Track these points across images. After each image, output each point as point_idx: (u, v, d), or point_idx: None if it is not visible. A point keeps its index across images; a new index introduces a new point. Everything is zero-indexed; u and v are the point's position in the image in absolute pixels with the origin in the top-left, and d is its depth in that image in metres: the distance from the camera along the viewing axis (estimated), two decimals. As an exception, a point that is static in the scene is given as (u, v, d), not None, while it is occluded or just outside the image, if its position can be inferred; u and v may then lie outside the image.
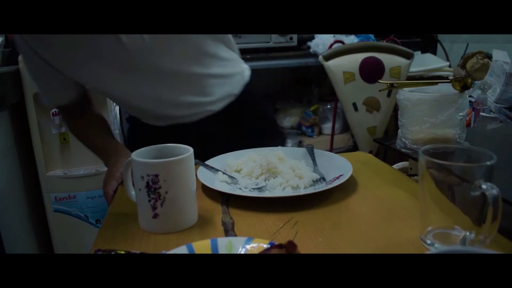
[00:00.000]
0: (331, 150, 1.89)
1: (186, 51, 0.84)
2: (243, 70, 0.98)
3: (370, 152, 1.71)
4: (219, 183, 0.73)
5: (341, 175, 0.71)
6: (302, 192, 0.68)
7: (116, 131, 1.65)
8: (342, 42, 1.84)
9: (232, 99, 0.93)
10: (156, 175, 0.56)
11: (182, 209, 0.59)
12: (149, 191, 0.57)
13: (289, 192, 0.69)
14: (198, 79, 0.87)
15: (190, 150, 0.60)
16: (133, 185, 0.62)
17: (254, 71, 1.01)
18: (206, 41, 0.86)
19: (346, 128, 2.11)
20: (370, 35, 1.96)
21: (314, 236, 0.56)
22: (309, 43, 1.98)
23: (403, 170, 1.29)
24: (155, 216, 0.58)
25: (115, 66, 0.80)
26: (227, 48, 0.94)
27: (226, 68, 0.92)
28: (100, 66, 0.80)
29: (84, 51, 0.78)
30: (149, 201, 0.57)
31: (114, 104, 1.66)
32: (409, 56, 1.75)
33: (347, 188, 0.71)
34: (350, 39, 1.94)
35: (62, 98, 0.88)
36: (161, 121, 0.90)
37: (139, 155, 0.59)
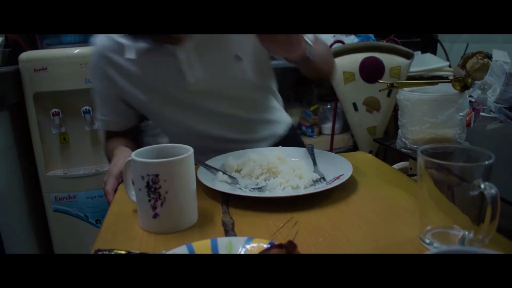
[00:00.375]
0: (331, 150, 1.89)
1: (238, 98, 0.94)
2: (286, 117, 1.10)
3: (370, 152, 1.71)
4: (219, 183, 0.73)
5: (341, 175, 0.71)
6: (302, 192, 0.68)
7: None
8: (342, 42, 1.84)
9: (277, 140, 1.03)
10: (156, 175, 0.56)
11: (182, 209, 0.59)
12: (149, 191, 0.57)
13: (289, 192, 0.69)
14: (245, 121, 0.97)
15: (190, 150, 0.60)
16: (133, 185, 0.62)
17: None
18: (256, 91, 0.98)
19: (346, 128, 2.11)
20: (370, 35, 1.96)
21: (314, 236, 0.56)
22: (309, 43, 1.97)
23: (403, 170, 1.29)
24: (155, 216, 0.58)
25: (177, 102, 0.90)
26: (274, 99, 1.06)
27: (272, 115, 1.04)
28: (166, 103, 0.91)
29: (156, 90, 0.89)
30: (149, 201, 0.57)
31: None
32: (409, 56, 1.75)
33: (347, 188, 0.71)
34: (350, 39, 1.94)
35: (118, 125, 0.99)
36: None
37: (139, 155, 0.59)
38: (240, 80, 0.91)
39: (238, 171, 0.79)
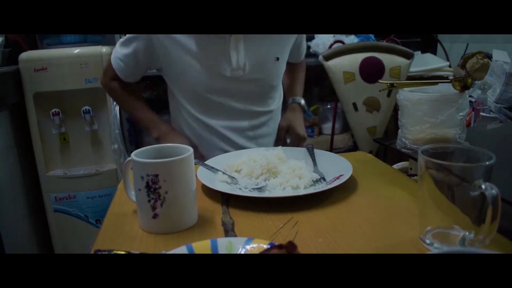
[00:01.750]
0: (331, 150, 1.89)
1: (264, 92, 1.03)
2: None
3: (370, 152, 1.71)
4: (219, 183, 0.73)
5: (341, 175, 0.71)
6: (302, 192, 0.68)
7: (116, 131, 1.65)
8: (342, 42, 1.84)
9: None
10: (156, 175, 0.56)
11: (182, 209, 0.59)
12: (149, 191, 0.57)
13: (289, 192, 0.69)
14: (259, 114, 1.05)
15: (190, 150, 0.59)
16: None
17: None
18: (278, 88, 1.08)
19: (346, 128, 2.11)
20: (370, 35, 1.96)
21: (314, 236, 0.56)
22: (309, 43, 1.97)
23: (403, 170, 1.29)
24: (155, 216, 0.58)
25: (213, 80, 0.96)
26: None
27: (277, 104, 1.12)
28: (205, 76, 0.95)
29: (201, 63, 0.94)
30: (149, 201, 0.57)
31: (114, 104, 1.66)
32: (409, 56, 1.75)
33: (347, 188, 0.71)
34: (350, 39, 1.94)
35: (134, 78, 1.06)
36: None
37: (139, 155, 0.59)
38: (272, 77, 1.01)
39: (238, 171, 0.79)
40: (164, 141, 0.98)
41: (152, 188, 0.56)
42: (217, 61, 0.94)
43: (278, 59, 0.98)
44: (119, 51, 1.00)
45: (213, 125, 1.00)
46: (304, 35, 1.13)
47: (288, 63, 1.07)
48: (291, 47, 1.05)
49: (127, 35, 0.97)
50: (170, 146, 0.63)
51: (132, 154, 0.59)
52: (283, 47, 1.00)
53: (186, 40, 0.92)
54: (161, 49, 0.93)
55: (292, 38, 1.02)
